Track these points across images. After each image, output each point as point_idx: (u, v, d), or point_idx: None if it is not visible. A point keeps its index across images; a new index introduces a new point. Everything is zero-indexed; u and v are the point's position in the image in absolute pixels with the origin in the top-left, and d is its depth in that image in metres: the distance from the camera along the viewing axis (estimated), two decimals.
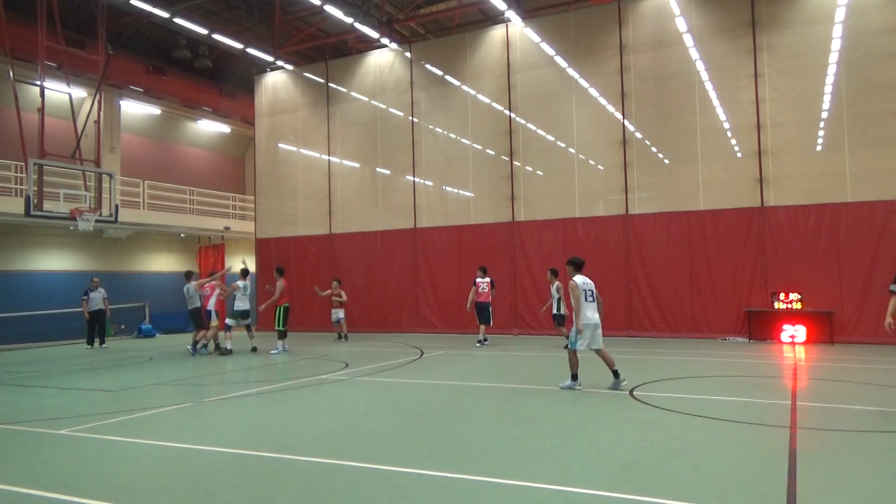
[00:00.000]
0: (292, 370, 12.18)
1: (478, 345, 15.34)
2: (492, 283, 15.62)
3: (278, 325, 15.03)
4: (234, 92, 26.08)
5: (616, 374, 8.88)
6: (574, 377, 8.99)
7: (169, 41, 23.50)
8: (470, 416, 7.51)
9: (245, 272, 15.00)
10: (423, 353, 14.08)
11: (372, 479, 5.12)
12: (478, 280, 15.54)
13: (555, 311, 14.39)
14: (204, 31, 19.80)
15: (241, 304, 14.79)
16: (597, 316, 8.96)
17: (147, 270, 24.49)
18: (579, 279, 8.97)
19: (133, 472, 5.51)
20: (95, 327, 17.51)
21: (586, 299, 8.88)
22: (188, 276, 15.28)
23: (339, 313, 17.75)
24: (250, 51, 21.21)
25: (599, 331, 8.95)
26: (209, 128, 27.49)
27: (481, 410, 7.88)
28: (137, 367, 13.21)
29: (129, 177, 22.77)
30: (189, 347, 14.86)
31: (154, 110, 24.92)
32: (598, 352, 8.95)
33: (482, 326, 15.57)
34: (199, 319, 14.89)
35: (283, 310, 15.05)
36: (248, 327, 15.35)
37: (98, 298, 17.41)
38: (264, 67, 22.93)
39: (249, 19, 21.75)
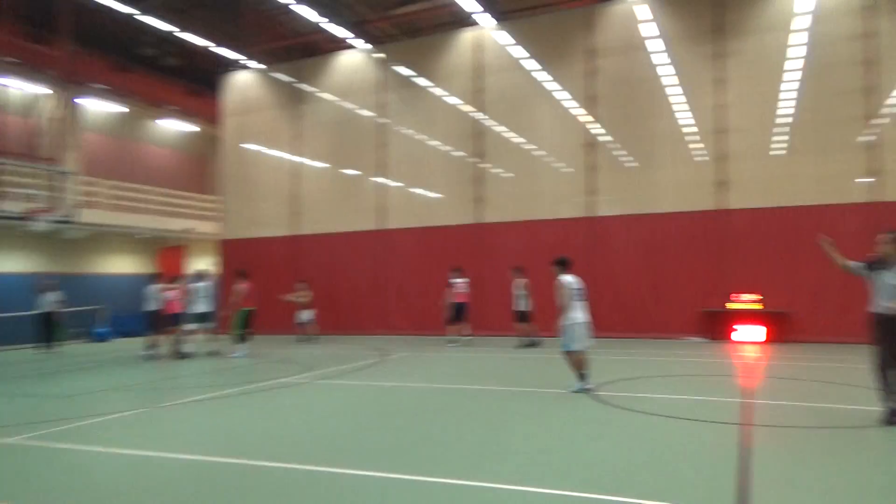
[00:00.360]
0: (253, 373, 12.00)
1: (451, 346, 15.36)
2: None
3: (235, 329, 14.82)
4: (200, 91, 25.64)
5: (582, 376, 8.74)
6: (581, 377, 8.71)
7: (134, 38, 23.01)
8: (434, 418, 7.49)
9: (201, 275, 14.75)
10: (387, 355, 14.02)
11: (333, 482, 5.07)
12: (456, 280, 15.47)
13: (516, 308, 14.64)
14: (170, 29, 19.45)
15: (201, 306, 14.53)
16: (586, 315, 8.76)
17: (106, 272, 23.91)
18: (567, 278, 8.85)
19: (86, 481, 5.37)
20: (48, 331, 17.01)
21: (574, 298, 8.73)
22: (154, 277, 14.97)
23: (306, 315, 17.43)
24: (218, 49, 20.90)
25: (590, 331, 8.79)
26: (174, 127, 27.02)
27: (445, 412, 7.87)
28: (91, 372, 12.89)
29: (90, 176, 22.25)
30: (147, 352, 14.49)
31: (117, 108, 24.39)
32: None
33: (462, 325, 15.52)
34: (157, 322, 14.57)
35: (243, 314, 14.81)
36: (207, 331, 15.09)
37: (51, 300, 16.92)
38: (232, 66, 22.63)
39: (217, 17, 21.43)
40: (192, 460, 5.83)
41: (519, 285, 14.64)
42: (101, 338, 20.87)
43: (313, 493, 4.80)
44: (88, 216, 20.39)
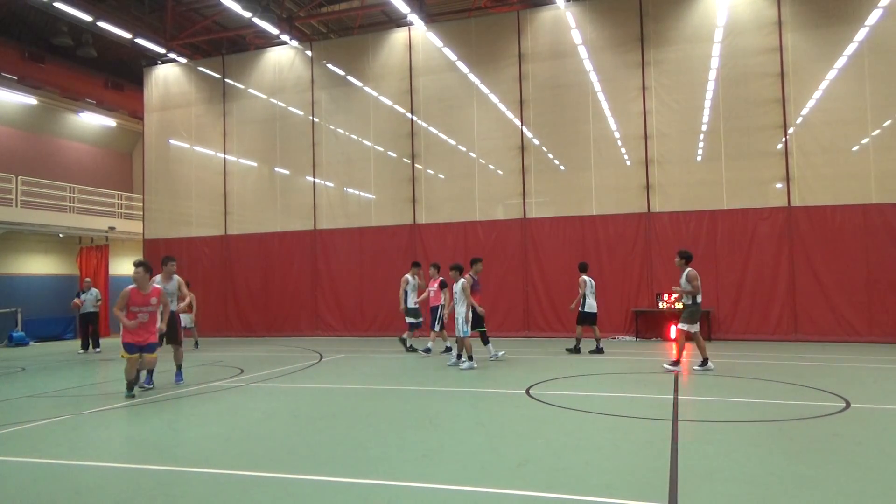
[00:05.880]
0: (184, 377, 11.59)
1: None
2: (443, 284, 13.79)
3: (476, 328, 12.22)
4: (121, 84, 24.54)
5: (459, 356, 11.37)
6: (470, 357, 11.11)
7: (49, 26, 21.79)
8: (369, 420, 7.47)
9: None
10: (322, 357, 13.86)
11: (268, 488, 4.98)
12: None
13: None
14: (88, 18, 18.51)
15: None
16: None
17: (20, 273, 22.61)
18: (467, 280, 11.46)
19: (2, 493, 5.08)
20: None
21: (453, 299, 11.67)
22: (166, 261, 11.02)
23: (186, 319, 15.26)
24: (140, 41, 20.08)
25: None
26: (93, 121, 25.78)
27: (381, 413, 7.85)
28: (7, 379, 12.18)
29: (0, 172, 20.96)
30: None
31: (30, 100, 23.06)
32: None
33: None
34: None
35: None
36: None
37: None
38: (155, 59, 21.81)
39: (139, 8, 20.59)
40: (117, 468, 5.60)
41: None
42: (19, 342, 19.76)
43: (247, 500, 4.70)
44: (0, 214, 19.23)
